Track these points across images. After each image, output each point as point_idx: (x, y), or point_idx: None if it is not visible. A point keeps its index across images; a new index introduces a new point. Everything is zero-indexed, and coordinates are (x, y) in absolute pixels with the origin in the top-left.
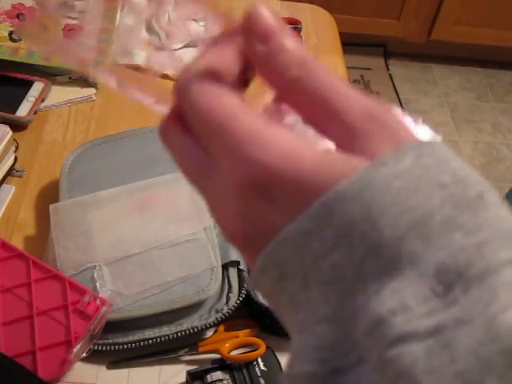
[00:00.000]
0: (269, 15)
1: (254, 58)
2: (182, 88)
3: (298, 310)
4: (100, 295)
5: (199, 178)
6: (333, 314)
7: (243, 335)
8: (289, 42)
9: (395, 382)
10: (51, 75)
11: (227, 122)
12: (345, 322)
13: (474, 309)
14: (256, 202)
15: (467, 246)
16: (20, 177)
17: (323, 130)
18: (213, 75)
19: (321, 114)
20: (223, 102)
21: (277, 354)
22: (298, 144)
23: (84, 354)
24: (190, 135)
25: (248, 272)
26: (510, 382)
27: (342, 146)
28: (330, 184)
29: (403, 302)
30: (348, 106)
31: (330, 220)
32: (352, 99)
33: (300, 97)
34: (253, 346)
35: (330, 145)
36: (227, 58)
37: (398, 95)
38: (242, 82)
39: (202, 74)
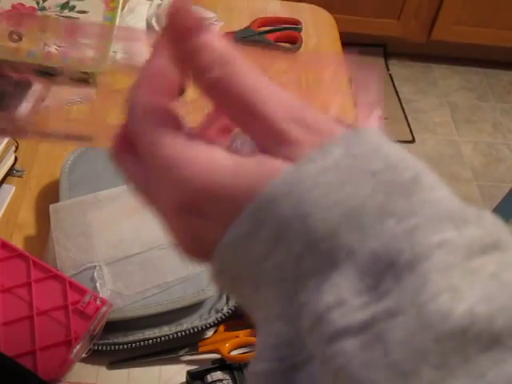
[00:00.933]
0: (189, 11)
1: (176, 58)
2: (128, 115)
3: (257, 310)
4: (100, 295)
5: (148, 200)
6: (283, 313)
7: (243, 335)
8: (212, 39)
9: (336, 376)
10: (51, 75)
11: (149, 148)
12: (294, 320)
13: (405, 298)
14: (191, 220)
15: (398, 234)
16: (20, 177)
17: (250, 134)
18: (149, 95)
19: (245, 118)
20: (147, 129)
21: None
22: (216, 158)
23: (84, 354)
24: (136, 160)
25: None
26: (447, 369)
27: (268, 149)
28: (254, 188)
29: (340, 296)
30: (272, 110)
31: (265, 221)
32: (276, 102)
33: (224, 99)
34: (253, 346)
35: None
36: (159, 74)
37: (398, 95)
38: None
39: (137, 99)
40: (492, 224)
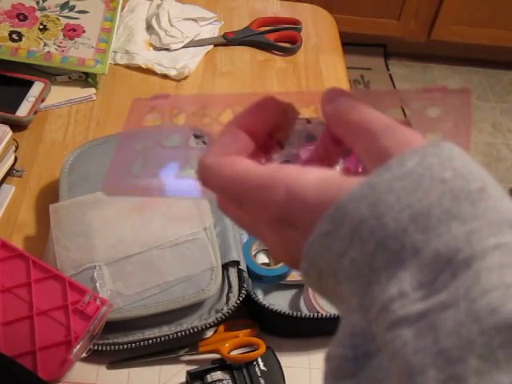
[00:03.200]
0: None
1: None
2: (201, 171)
3: (340, 303)
4: (100, 295)
5: (252, 232)
6: (359, 305)
7: (243, 335)
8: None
9: (392, 360)
10: (51, 75)
11: (239, 186)
12: (367, 312)
13: (458, 293)
14: (285, 231)
15: (459, 235)
16: (20, 177)
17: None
18: (231, 145)
19: (357, 136)
20: (233, 166)
21: (277, 353)
22: (299, 176)
23: (84, 354)
24: (236, 204)
25: (248, 272)
26: (493, 360)
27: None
28: (336, 198)
29: (402, 289)
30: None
31: (343, 220)
32: (380, 126)
33: (345, 125)
34: (253, 346)
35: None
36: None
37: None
38: (274, 143)
39: (219, 148)
40: None
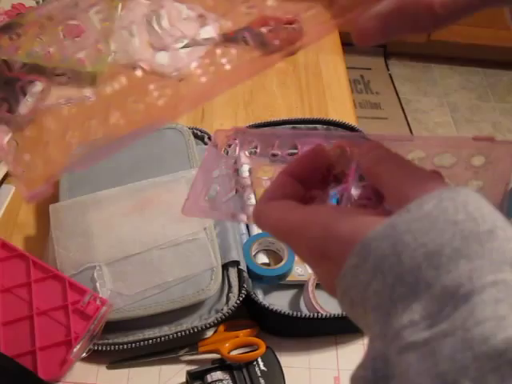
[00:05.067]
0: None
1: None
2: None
3: (367, 329)
4: (100, 295)
5: (308, 265)
6: (380, 332)
7: (243, 335)
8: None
9: (400, 381)
10: (51, 75)
11: (283, 222)
12: (386, 337)
13: (456, 323)
14: (325, 263)
15: (464, 271)
16: None
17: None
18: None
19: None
20: (279, 210)
21: (277, 353)
22: (334, 215)
23: (84, 354)
24: None
25: (248, 272)
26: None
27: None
28: (364, 234)
29: (413, 319)
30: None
31: (368, 256)
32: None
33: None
34: (253, 346)
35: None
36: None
37: (398, 95)
38: (331, 178)
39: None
40: None
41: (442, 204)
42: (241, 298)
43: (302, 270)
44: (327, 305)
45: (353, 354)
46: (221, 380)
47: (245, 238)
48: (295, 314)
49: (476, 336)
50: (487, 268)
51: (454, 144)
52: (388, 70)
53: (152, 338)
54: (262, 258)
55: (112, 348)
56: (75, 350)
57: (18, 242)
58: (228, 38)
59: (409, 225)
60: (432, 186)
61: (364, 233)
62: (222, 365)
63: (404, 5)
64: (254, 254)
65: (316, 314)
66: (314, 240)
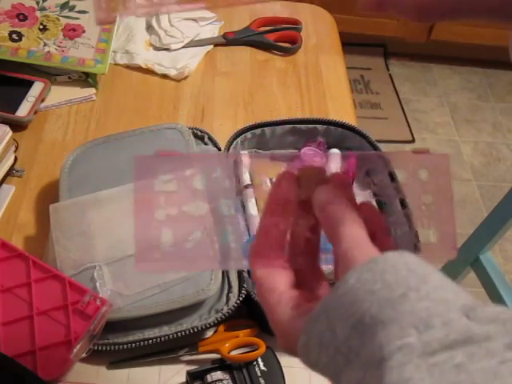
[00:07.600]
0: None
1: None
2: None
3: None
4: (100, 295)
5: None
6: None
7: (243, 335)
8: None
9: None
10: (51, 75)
11: (266, 298)
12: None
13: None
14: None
15: (378, 339)
16: (20, 177)
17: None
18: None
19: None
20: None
21: (277, 353)
22: (286, 312)
23: (84, 354)
24: None
25: (248, 272)
26: None
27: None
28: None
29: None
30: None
31: (311, 335)
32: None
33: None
34: (253, 346)
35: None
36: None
37: (398, 95)
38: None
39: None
40: (464, 324)
41: (363, 276)
42: (241, 298)
43: None
44: None
45: None
46: (221, 380)
47: (245, 237)
48: None
49: None
50: (396, 334)
51: (400, 158)
52: (388, 69)
53: (152, 338)
54: None
55: (112, 348)
56: (75, 350)
57: (18, 242)
58: (228, 39)
59: (338, 300)
60: (364, 257)
61: (305, 321)
62: (222, 365)
63: None
64: None
65: None
66: (277, 332)
